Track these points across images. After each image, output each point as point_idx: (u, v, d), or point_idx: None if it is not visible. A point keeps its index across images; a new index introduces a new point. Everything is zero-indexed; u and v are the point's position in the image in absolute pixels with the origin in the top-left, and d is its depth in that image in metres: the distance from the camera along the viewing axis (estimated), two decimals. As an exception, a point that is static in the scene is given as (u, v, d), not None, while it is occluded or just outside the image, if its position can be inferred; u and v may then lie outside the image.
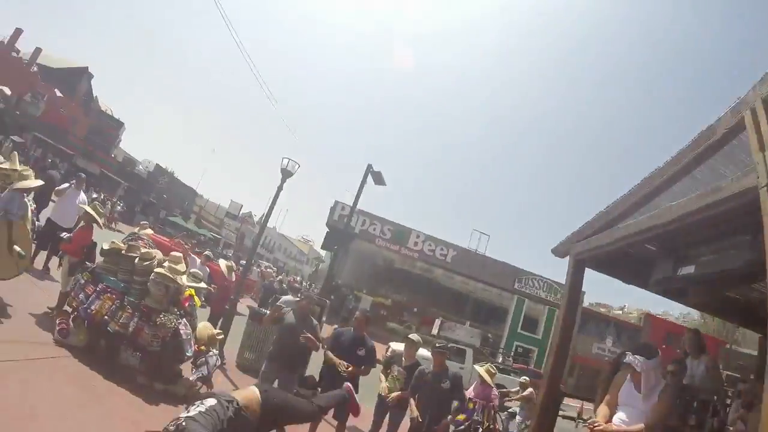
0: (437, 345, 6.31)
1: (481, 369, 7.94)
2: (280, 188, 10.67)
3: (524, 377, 10.82)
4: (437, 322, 22.20)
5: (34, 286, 7.98)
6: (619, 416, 4.11)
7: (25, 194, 6.74)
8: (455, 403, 6.44)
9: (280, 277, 27.66)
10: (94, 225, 7.63)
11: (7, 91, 47.88)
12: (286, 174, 10.49)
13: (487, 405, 7.68)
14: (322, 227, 57.79)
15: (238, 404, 3.24)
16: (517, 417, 10.50)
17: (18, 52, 57.04)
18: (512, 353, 31.70)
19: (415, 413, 5.83)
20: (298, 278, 45.61)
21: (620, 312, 43.77)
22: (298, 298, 7.37)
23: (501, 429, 8.19)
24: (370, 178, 14.47)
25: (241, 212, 60.46)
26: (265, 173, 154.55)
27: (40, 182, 7.29)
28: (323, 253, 42.78)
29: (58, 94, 54.00)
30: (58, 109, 50.96)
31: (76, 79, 58.94)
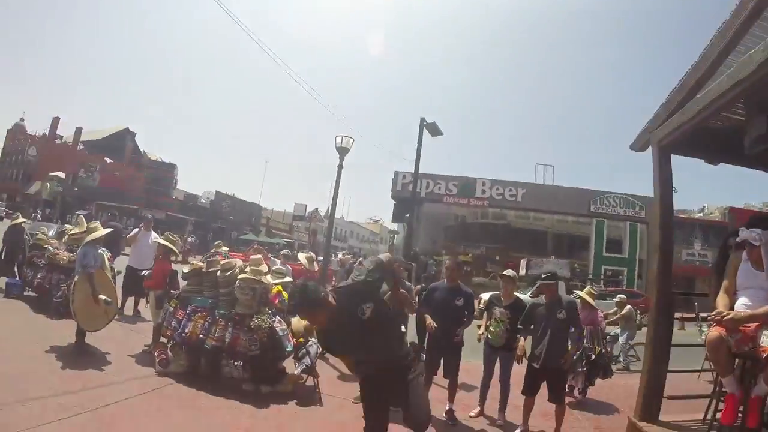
0: (544, 276, 5.84)
1: (581, 293, 7.63)
2: (340, 167, 10.75)
3: (620, 296, 10.32)
4: (523, 262, 21.86)
5: (129, 331, 8.24)
6: (742, 301, 3.79)
7: (97, 246, 7.00)
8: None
9: (359, 260, 27.81)
10: (172, 256, 7.76)
11: (61, 175, 51.31)
12: (343, 151, 10.62)
13: (595, 329, 7.39)
14: (388, 204, 58.14)
15: None
16: (620, 339, 10.07)
17: (61, 138, 60.78)
18: (602, 278, 30.89)
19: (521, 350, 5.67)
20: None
21: (701, 215, 41.74)
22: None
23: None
24: (426, 134, 14.19)
25: (307, 212, 61.29)
26: (320, 168, 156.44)
27: (108, 230, 7.54)
28: (395, 226, 42.91)
29: (108, 161, 57.48)
30: (112, 175, 54.25)
31: (121, 141, 62.67)
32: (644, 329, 14.59)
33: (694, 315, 10.73)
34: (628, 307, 10.18)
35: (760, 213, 6.03)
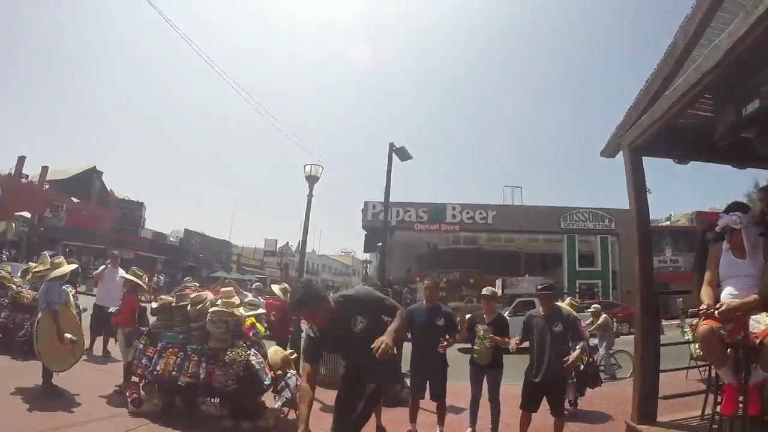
0: (540, 286, 5.77)
1: (562, 304, 7.53)
2: (310, 196, 10.56)
3: (594, 305, 10.26)
4: (498, 282, 21.83)
5: (99, 371, 7.93)
6: (728, 291, 3.74)
7: (61, 282, 6.75)
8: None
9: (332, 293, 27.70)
10: (139, 291, 7.51)
11: (27, 214, 50.19)
12: (312, 180, 10.46)
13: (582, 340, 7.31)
14: (359, 235, 58.47)
15: None
16: (600, 348, 10.03)
17: (27, 177, 59.70)
18: (577, 291, 31.16)
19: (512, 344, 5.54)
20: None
21: (668, 223, 42.75)
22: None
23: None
24: (396, 160, 14.14)
25: (277, 246, 60.85)
26: (290, 202, 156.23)
27: (72, 266, 7.30)
28: (367, 256, 43.01)
29: (75, 200, 56.42)
30: (79, 214, 53.55)
31: (88, 180, 61.60)
32: (623, 337, 14.77)
33: (676, 316, 10.82)
34: (604, 316, 10.18)
35: (736, 202, 6.06)
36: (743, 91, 4.40)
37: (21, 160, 59.56)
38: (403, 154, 14.08)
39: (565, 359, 5.26)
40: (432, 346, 5.71)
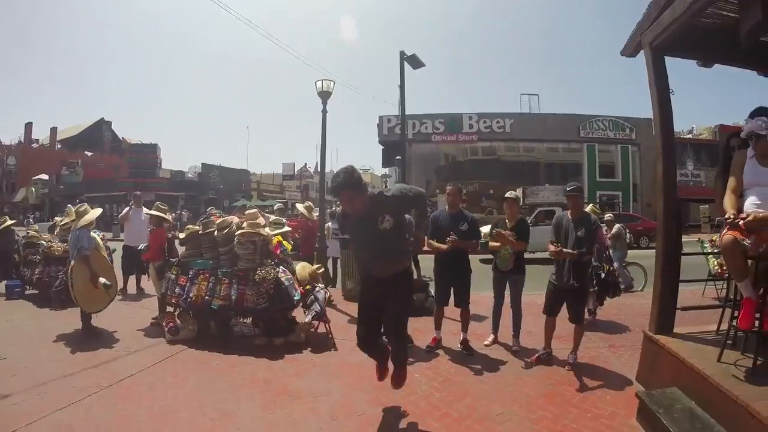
0: (569, 188, 5.60)
1: (586, 209, 7.47)
2: (324, 112, 10.61)
3: (608, 215, 10.10)
4: (519, 191, 21.66)
5: (135, 308, 8.20)
6: (751, 200, 3.63)
7: (89, 229, 6.85)
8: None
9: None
10: (165, 224, 7.62)
11: (44, 177, 51.28)
12: (325, 95, 10.53)
13: (602, 248, 7.29)
14: (376, 151, 58.13)
15: None
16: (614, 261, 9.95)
17: (37, 141, 60.56)
18: (597, 202, 30.92)
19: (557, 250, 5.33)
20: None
21: (690, 135, 41.55)
22: None
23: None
24: (409, 69, 13.87)
25: (296, 170, 61.06)
26: (304, 124, 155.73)
27: (98, 211, 7.32)
28: (386, 170, 42.86)
29: (88, 154, 57.28)
30: (95, 167, 54.54)
31: (98, 133, 62.82)
32: (644, 251, 14.82)
33: (697, 227, 10.67)
34: (617, 225, 10.05)
35: (762, 107, 5.72)
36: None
37: (28, 126, 61.01)
38: (415, 62, 13.75)
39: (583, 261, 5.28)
40: (456, 251, 5.70)
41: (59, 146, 60.88)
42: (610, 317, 7.51)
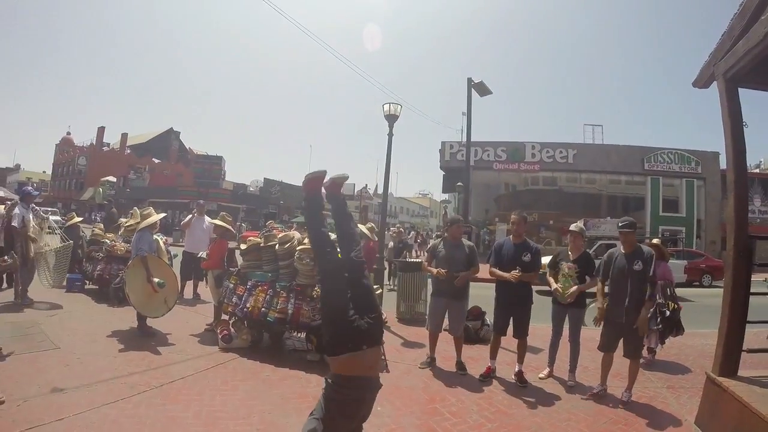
0: (621, 224, 5.46)
1: (653, 242, 7.22)
2: (390, 135, 10.65)
3: (655, 239, 9.54)
4: (579, 223, 21.21)
5: (190, 313, 8.39)
6: None
7: (151, 232, 7.12)
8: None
9: (411, 233, 27.80)
10: (228, 235, 7.80)
11: (112, 179, 53.62)
12: (392, 119, 10.58)
13: (667, 282, 7.01)
14: (436, 176, 58.29)
15: None
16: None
17: (108, 145, 63.83)
18: (659, 238, 29.89)
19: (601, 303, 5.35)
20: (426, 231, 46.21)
21: (758, 170, 39.95)
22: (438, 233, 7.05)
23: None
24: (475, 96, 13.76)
25: (355, 190, 61.53)
26: (365, 146, 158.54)
27: (161, 215, 7.61)
28: (446, 196, 42.73)
29: (156, 161, 59.82)
30: (161, 174, 56.93)
31: (166, 141, 65.75)
32: (706, 290, 14.23)
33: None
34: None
35: None
36: None
37: (101, 130, 64.30)
38: (482, 89, 13.59)
39: (651, 317, 5.12)
40: (519, 282, 5.60)
41: (128, 151, 63.89)
42: (671, 357, 7.22)
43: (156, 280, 6.62)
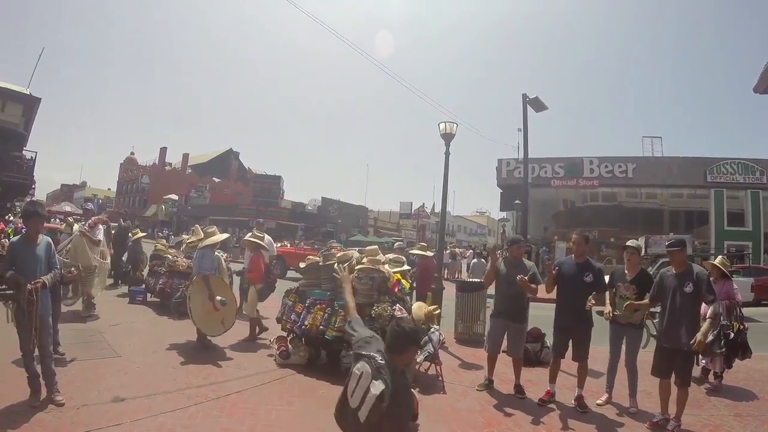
0: (668, 242, 5.29)
1: (715, 261, 6.92)
2: (447, 154, 10.68)
3: (719, 256, 9.02)
4: (641, 240, 20.55)
5: (248, 328, 8.30)
6: None
7: (213, 250, 7.36)
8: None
9: (470, 252, 27.56)
10: (263, 251, 8.15)
11: (174, 197, 55.76)
12: (448, 137, 10.59)
13: (732, 303, 6.67)
14: (494, 195, 57.75)
15: None
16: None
17: (170, 164, 66.57)
18: (725, 254, 28.61)
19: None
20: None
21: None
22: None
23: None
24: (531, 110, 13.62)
25: (412, 209, 61.91)
26: (421, 164, 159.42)
27: (225, 235, 7.85)
28: (504, 214, 42.32)
29: (216, 180, 61.89)
30: (221, 192, 59.00)
31: (226, 161, 68.18)
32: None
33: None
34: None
35: None
36: None
37: (163, 150, 67.25)
38: (538, 105, 13.44)
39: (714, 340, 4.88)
40: (579, 303, 5.42)
41: (189, 170, 66.22)
42: (738, 382, 6.88)
43: (218, 298, 6.82)
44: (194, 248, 8.89)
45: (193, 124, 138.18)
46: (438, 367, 6.19)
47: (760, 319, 12.06)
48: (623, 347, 5.72)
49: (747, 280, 16.43)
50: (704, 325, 4.88)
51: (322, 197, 55.40)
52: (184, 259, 9.69)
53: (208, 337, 7.03)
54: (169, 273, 9.70)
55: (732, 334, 6.48)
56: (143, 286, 10.47)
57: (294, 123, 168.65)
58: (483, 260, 18.20)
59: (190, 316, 6.88)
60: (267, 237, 10.03)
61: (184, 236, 11.96)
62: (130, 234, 11.90)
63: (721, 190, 31.60)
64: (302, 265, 7.03)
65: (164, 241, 12.36)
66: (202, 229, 7.89)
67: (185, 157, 67.52)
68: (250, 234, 8.43)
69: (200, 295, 6.84)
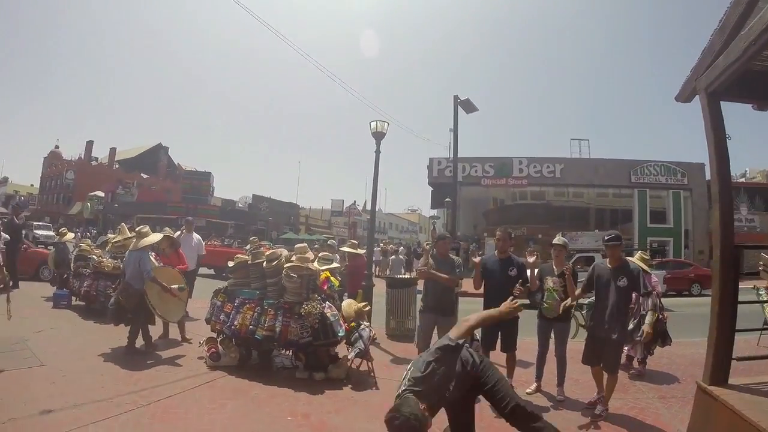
0: (607, 237, 5.55)
1: (634, 258, 7.25)
2: (377, 152, 10.66)
3: (641, 251, 9.47)
4: (558, 236, 21.33)
5: (176, 330, 8.05)
6: None
7: (149, 251, 7.15)
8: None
9: (401, 248, 27.85)
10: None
11: (100, 194, 53.39)
12: (379, 136, 10.60)
13: (651, 294, 7.04)
14: (425, 192, 58.58)
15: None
16: None
17: (96, 159, 63.61)
18: (648, 249, 30.20)
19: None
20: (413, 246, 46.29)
21: (743, 179, 40.56)
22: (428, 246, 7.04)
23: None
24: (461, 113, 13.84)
25: (344, 207, 61.95)
26: (353, 162, 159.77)
27: (160, 235, 7.66)
28: (434, 212, 42.97)
29: (144, 176, 59.65)
30: (149, 189, 56.77)
31: (155, 157, 65.59)
32: (695, 299, 14.32)
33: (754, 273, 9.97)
34: None
35: None
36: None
37: (89, 144, 64.12)
38: (469, 106, 13.71)
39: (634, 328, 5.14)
40: (505, 297, 5.51)
41: (117, 166, 63.62)
42: (661, 367, 7.27)
43: (175, 286, 6.89)
44: (121, 248, 8.61)
45: (122, 116, 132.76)
46: (369, 364, 6.20)
47: (681, 308, 12.79)
48: (552, 338, 5.91)
49: (660, 272, 17.52)
50: (647, 317, 5.17)
51: (253, 194, 54.96)
52: (110, 260, 9.30)
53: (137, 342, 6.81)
54: (95, 275, 9.23)
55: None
56: (66, 289, 9.98)
57: (225, 118, 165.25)
58: (402, 257, 18.58)
59: (156, 314, 6.84)
60: (196, 236, 9.83)
61: (110, 236, 11.46)
62: (55, 234, 11.36)
63: (645, 190, 33.63)
64: (231, 264, 6.92)
65: (89, 241, 11.78)
66: (136, 230, 7.52)
67: (112, 151, 64.77)
68: (166, 229, 8.32)
69: (157, 294, 6.77)
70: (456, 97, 13.65)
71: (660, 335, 6.98)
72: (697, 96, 5.21)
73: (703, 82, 5.05)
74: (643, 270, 6.98)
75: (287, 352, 6.53)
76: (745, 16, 4.36)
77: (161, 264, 7.30)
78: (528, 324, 6.14)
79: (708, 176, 5.44)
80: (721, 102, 5.07)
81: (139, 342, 6.82)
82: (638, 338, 6.68)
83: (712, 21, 4.85)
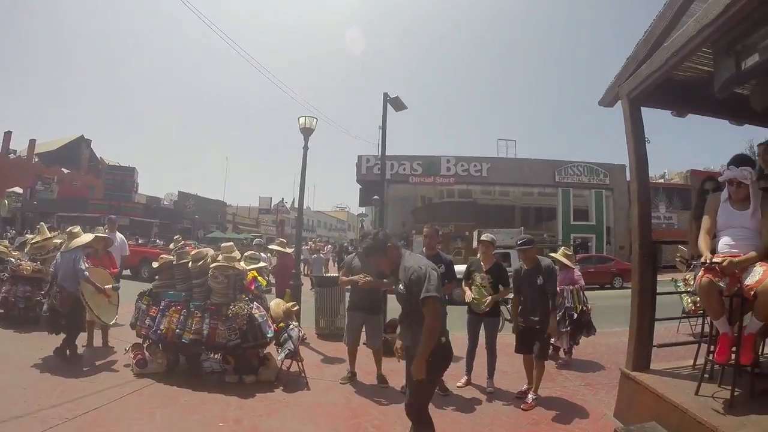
0: (519, 242, 5.84)
1: (556, 255, 7.58)
2: (305, 148, 10.54)
3: (563, 247, 9.77)
4: (474, 234, 21.91)
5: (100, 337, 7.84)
6: (724, 241, 3.82)
7: (79, 250, 6.73)
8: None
9: (328, 247, 27.79)
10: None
11: (18, 190, 50.02)
12: (307, 132, 10.46)
13: (575, 288, 7.37)
14: (353, 190, 58.89)
15: None
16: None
17: (15, 152, 59.39)
18: (571, 245, 31.43)
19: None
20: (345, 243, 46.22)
21: (662, 180, 42.87)
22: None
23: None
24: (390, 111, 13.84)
25: (272, 204, 61.05)
26: (281, 160, 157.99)
27: (92, 236, 7.24)
28: (362, 210, 43.10)
29: (65, 171, 56.23)
30: (70, 185, 53.48)
31: (77, 150, 61.44)
32: (617, 291, 14.92)
33: (671, 267, 10.48)
34: None
35: (742, 154, 6.03)
36: (743, 45, 4.32)
37: (7, 135, 58.97)
38: (398, 105, 13.72)
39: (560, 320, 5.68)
40: None
41: (36, 159, 59.80)
42: (586, 356, 7.64)
43: (108, 286, 6.75)
44: (40, 249, 8.19)
45: (42, 105, 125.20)
46: (300, 364, 6.15)
47: (604, 300, 13.34)
48: (482, 332, 6.06)
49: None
50: (551, 320, 5.49)
51: (179, 191, 53.40)
52: (29, 262, 8.66)
53: (66, 352, 6.45)
54: (13, 279, 8.51)
55: (575, 315, 7.16)
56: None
57: (150, 111, 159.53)
58: (322, 256, 18.63)
59: (93, 315, 6.64)
60: (119, 235, 9.43)
61: (29, 236, 10.80)
62: None
63: (568, 190, 35.14)
64: (155, 264, 6.71)
65: (6, 242, 10.95)
66: (68, 230, 7.08)
67: (32, 143, 60.33)
68: (99, 229, 8.10)
69: (92, 294, 6.54)
70: (386, 95, 13.63)
71: (585, 326, 7.33)
72: (620, 101, 5.50)
73: (625, 89, 5.31)
74: (567, 265, 7.39)
75: (216, 356, 6.40)
76: (669, 29, 4.61)
77: (90, 265, 6.91)
78: (457, 320, 6.24)
79: (629, 177, 5.72)
80: (642, 108, 5.38)
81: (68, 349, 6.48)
82: (564, 329, 7.05)
83: (636, 31, 5.10)
